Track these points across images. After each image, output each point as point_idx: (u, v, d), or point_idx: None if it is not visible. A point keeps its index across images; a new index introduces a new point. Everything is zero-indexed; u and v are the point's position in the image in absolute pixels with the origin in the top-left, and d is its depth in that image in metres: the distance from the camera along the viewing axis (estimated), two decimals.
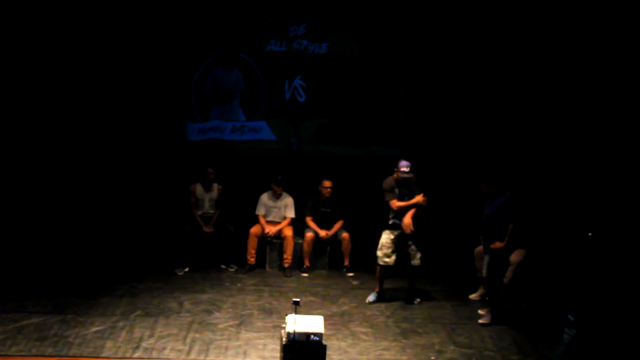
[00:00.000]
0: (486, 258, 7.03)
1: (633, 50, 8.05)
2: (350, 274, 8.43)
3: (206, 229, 8.44)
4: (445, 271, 8.58)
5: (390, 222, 7.31)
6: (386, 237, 7.32)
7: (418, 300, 7.49)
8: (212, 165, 8.58)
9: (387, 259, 7.31)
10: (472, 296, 7.68)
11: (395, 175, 7.26)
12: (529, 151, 8.84)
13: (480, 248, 7.65)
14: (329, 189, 8.55)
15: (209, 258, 8.48)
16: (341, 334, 6.45)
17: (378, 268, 7.40)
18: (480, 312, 6.96)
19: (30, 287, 7.33)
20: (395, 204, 7.21)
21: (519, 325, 6.80)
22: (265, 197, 8.64)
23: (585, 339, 5.83)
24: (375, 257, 7.41)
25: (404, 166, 7.20)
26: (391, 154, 8.89)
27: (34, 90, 8.76)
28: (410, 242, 7.31)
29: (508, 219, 6.89)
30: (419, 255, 7.34)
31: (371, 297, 7.47)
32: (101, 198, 8.98)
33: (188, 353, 5.89)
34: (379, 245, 7.36)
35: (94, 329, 6.27)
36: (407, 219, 7.19)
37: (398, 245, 7.30)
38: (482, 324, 6.77)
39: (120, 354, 5.81)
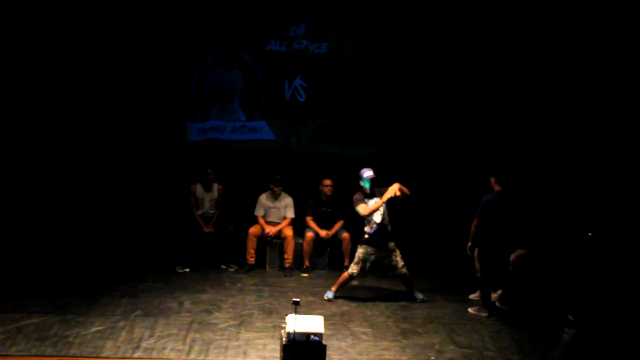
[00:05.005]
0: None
1: (633, 51, 8.05)
2: None
3: (206, 229, 8.44)
4: (445, 271, 8.58)
5: (366, 237, 7.31)
6: (363, 252, 7.32)
7: (421, 297, 7.48)
8: (212, 165, 8.58)
9: (359, 274, 7.37)
10: (472, 296, 7.67)
11: (362, 187, 7.32)
12: (529, 151, 8.85)
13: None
14: (329, 187, 8.55)
15: (209, 258, 8.48)
16: (341, 334, 6.44)
17: (347, 274, 7.41)
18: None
19: (30, 287, 7.33)
20: (366, 208, 7.20)
21: (519, 325, 6.79)
22: (263, 198, 8.64)
23: (585, 339, 5.84)
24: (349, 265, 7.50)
25: (366, 170, 7.29)
26: (391, 154, 8.90)
27: (34, 91, 8.76)
28: (388, 256, 7.30)
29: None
30: (401, 264, 7.35)
31: (329, 294, 7.46)
32: (102, 198, 8.99)
33: (188, 353, 5.88)
34: (356, 259, 7.37)
35: (94, 329, 6.27)
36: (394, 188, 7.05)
37: (375, 261, 7.30)
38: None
39: (120, 354, 5.80)
